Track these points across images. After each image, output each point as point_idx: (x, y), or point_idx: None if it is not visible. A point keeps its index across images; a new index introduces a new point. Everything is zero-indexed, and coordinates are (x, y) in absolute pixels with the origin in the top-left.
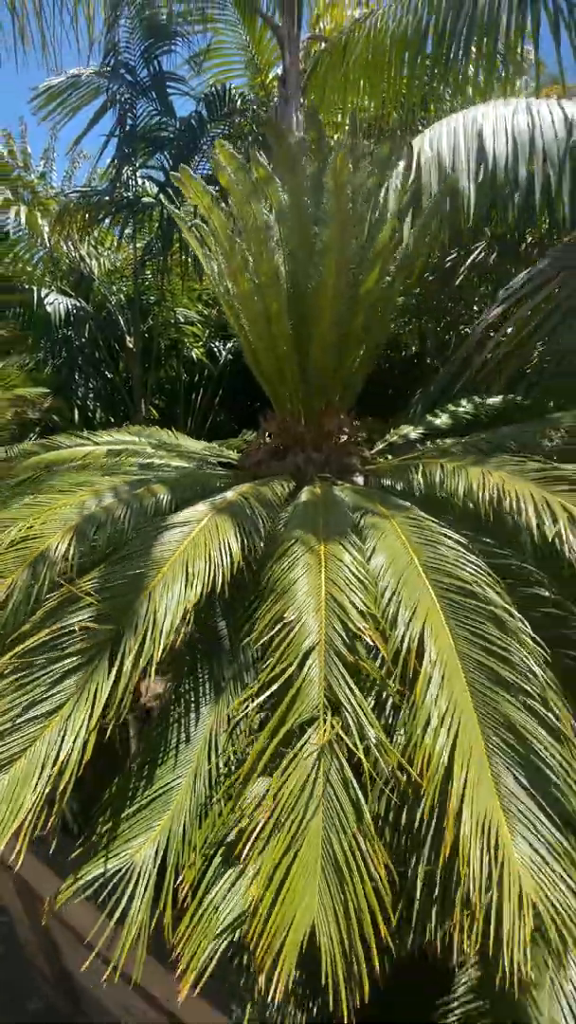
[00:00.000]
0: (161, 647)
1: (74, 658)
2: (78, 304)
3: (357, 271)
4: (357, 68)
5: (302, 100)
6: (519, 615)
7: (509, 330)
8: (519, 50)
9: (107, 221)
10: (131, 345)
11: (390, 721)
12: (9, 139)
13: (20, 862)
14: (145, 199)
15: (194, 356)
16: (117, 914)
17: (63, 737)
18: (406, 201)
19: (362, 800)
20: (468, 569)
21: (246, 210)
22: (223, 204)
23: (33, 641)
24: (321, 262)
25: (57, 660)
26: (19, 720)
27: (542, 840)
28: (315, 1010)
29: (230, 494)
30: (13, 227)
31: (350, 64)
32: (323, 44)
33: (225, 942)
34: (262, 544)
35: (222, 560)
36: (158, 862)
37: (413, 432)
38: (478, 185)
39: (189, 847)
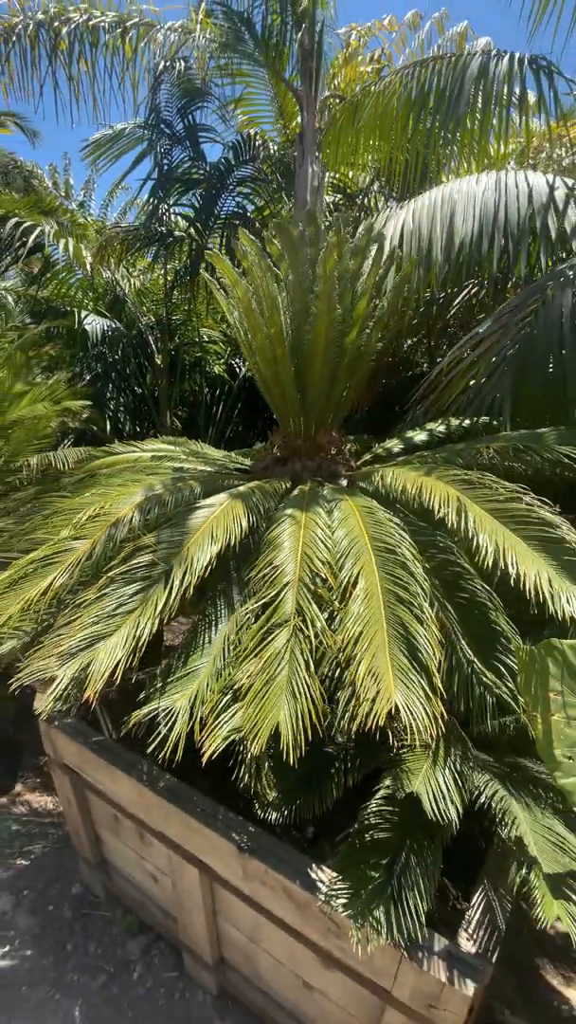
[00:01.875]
0: (196, 576)
1: (141, 582)
2: (112, 324)
3: (342, 329)
4: (366, 127)
5: (318, 154)
6: (421, 564)
7: (470, 363)
8: (506, 123)
9: (143, 251)
10: (159, 361)
11: (332, 624)
12: (54, 172)
13: (95, 698)
14: (176, 232)
15: (215, 372)
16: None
17: (137, 624)
18: (380, 275)
19: (310, 660)
20: (395, 537)
21: (261, 283)
22: (244, 277)
23: (116, 572)
24: (314, 324)
25: (131, 582)
26: (113, 613)
27: (411, 681)
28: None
29: (242, 488)
30: (61, 257)
31: (360, 124)
32: (338, 101)
33: (227, 740)
34: (264, 521)
35: (235, 529)
36: (191, 705)
37: (396, 446)
38: (447, 256)
39: (210, 692)
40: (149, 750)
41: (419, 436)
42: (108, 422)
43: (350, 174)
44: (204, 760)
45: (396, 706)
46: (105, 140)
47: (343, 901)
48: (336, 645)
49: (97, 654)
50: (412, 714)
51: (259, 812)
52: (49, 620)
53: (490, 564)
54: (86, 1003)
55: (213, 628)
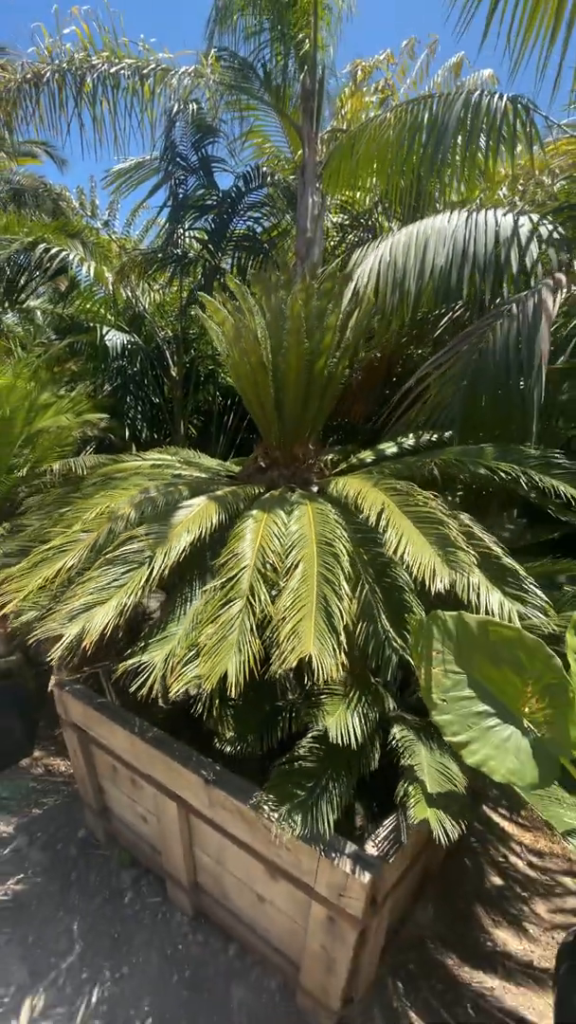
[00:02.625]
0: (173, 560)
1: (133, 564)
2: (132, 339)
3: (311, 359)
4: (363, 159)
5: (318, 185)
6: (354, 556)
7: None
8: (495, 154)
9: (161, 270)
10: (175, 373)
11: (275, 599)
12: (81, 194)
13: (90, 647)
14: (192, 253)
15: (227, 383)
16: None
17: (126, 595)
18: (346, 312)
19: (254, 625)
20: (336, 534)
21: (243, 320)
22: (231, 317)
23: (112, 555)
24: (286, 355)
25: (124, 563)
26: (106, 587)
27: (325, 640)
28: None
29: (220, 492)
30: (84, 279)
31: (358, 156)
32: (338, 136)
33: (191, 684)
34: (234, 519)
35: (207, 524)
36: (164, 660)
37: (368, 457)
38: (420, 285)
39: (180, 649)
40: (132, 690)
41: (390, 448)
42: (127, 430)
43: (357, 194)
44: (170, 696)
45: (312, 657)
46: (125, 170)
47: (272, 810)
48: (276, 614)
49: (94, 617)
50: (322, 664)
51: (219, 746)
52: (61, 595)
53: (395, 554)
54: (83, 920)
55: (187, 603)
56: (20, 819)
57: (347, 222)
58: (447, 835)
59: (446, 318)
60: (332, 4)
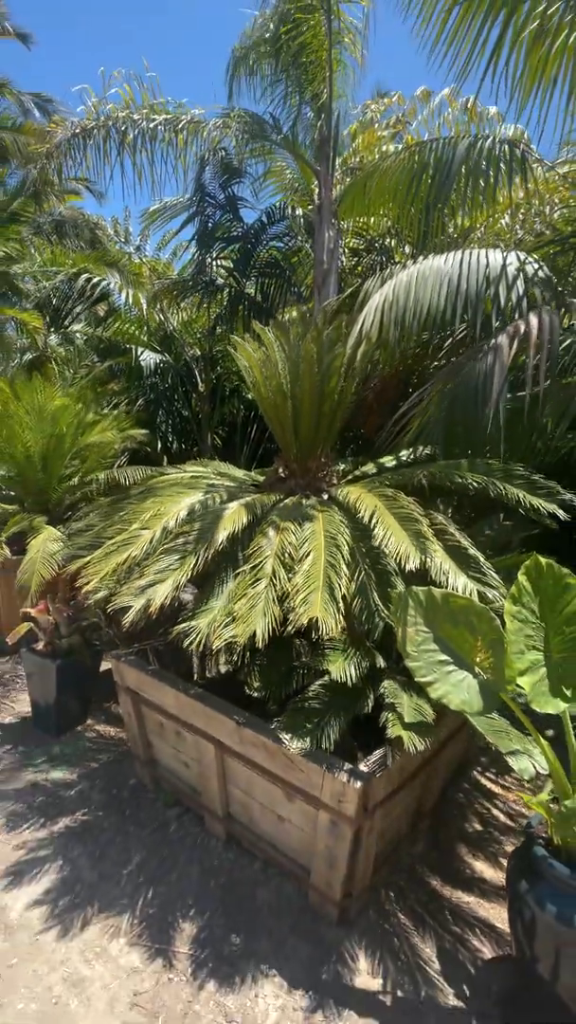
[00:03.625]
0: (214, 551)
1: (182, 553)
2: (163, 358)
3: (321, 385)
4: (375, 198)
5: (333, 221)
6: (352, 546)
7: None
8: (493, 189)
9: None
10: (202, 389)
11: (291, 578)
12: (116, 223)
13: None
14: (218, 280)
15: (250, 398)
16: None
17: (180, 575)
18: (352, 346)
19: (275, 598)
20: (339, 530)
21: (266, 353)
22: (258, 351)
23: (168, 546)
24: (301, 382)
25: (177, 552)
26: (163, 570)
27: (328, 608)
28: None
29: (248, 498)
30: (121, 304)
31: (370, 196)
32: (352, 173)
33: (227, 641)
34: (259, 518)
35: (240, 523)
36: (207, 626)
37: (371, 469)
38: (418, 322)
39: (220, 617)
40: (184, 644)
41: (390, 461)
42: (159, 442)
43: (372, 220)
44: (213, 651)
45: (318, 621)
46: (158, 210)
47: (287, 736)
48: (292, 589)
49: (157, 591)
50: (326, 623)
51: (248, 692)
52: (125, 578)
53: (383, 545)
54: (138, 842)
55: (224, 584)
56: (81, 770)
57: (362, 247)
58: (415, 747)
59: (449, 340)
60: (345, 58)
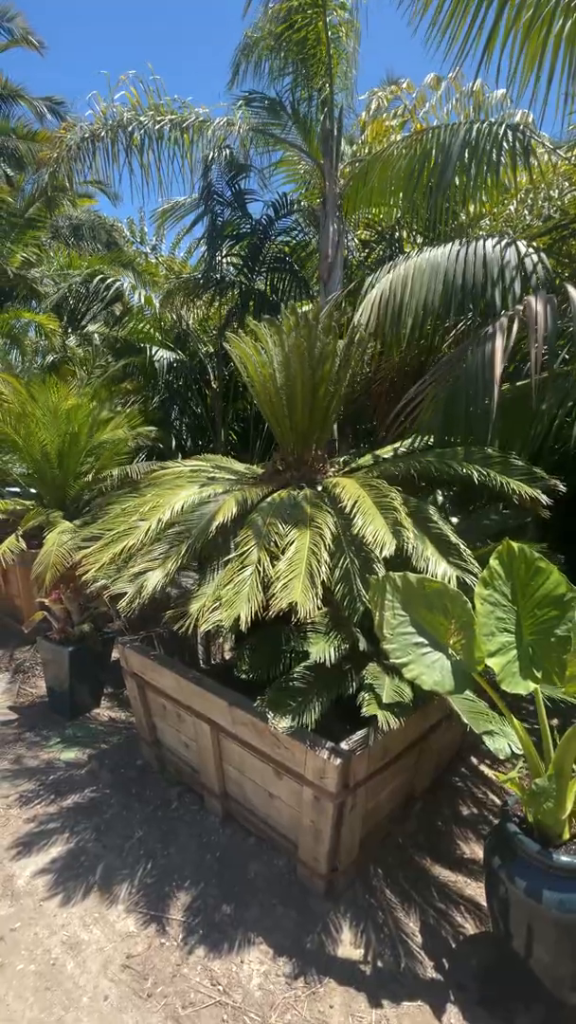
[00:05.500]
0: (205, 540)
1: (177, 542)
2: (177, 356)
3: (313, 378)
4: (376, 188)
5: (338, 214)
6: (338, 534)
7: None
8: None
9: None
10: (215, 386)
11: (275, 566)
12: (131, 224)
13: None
14: (228, 277)
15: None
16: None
17: (171, 563)
18: (345, 344)
19: (259, 584)
20: (326, 519)
21: (262, 348)
22: (255, 349)
23: (161, 535)
24: (293, 375)
25: (169, 542)
26: (154, 556)
27: (308, 594)
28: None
29: (241, 490)
30: (136, 304)
31: (371, 185)
32: (356, 165)
33: (215, 624)
34: (251, 509)
35: (231, 513)
36: (199, 609)
37: (367, 460)
38: (414, 315)
39: (208, 602)
40: (175, 627)
41: (387, 452)
42: (173, 439)
43: (383, 211)
44: (219, 637)
45: (298, 605)
46: (168, 210)
47: (271, 713)
48: (276, 576)
49: (148, 579)
50: (305, 607)
51: (237, 674)
52: (124, 567)
53: (364, 533)
54: (142, 817)
55: (215, 572)
56: (92, 751)
57: (373, 238)
58: (389, 725)
59: (463, 327)
60: (344, 47)
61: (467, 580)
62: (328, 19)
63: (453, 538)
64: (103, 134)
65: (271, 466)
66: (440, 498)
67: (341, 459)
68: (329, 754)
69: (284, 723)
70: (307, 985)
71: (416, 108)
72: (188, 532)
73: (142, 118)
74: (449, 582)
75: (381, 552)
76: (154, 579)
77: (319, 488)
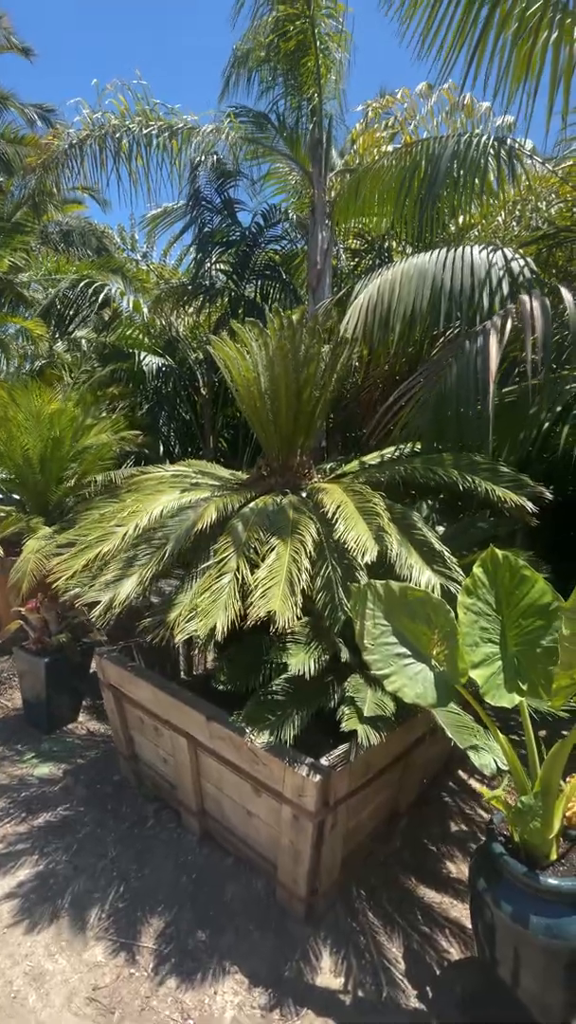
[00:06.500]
0: (183, 547)
1: (154, 547)
2: (166, 362)
3: (297, 383)
4: (367, 199)
5: (327, 222)
6: (320, 541)
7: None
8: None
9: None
10: (204, 392)
11: (254, 573)
12: (122, 230)
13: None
14: (218, 284)
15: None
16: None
17: (146, 571)
18: (328, 351)
19: (237, 592)
20: (308, 526)
21: (249, 355)
22: (239, 352)
23: (140, 540)
24: (276, 379)
25: (147, 547)
26: (134, 563)
27: (287, 603)
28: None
29: (223, 496)
30: (124, 309)
31: (362, 197)
32: (346, 175)
33: (190, 634)
34: (231, 515)
35: (211, 519)
36: (175, 618)
37: (354, 466)
38: (401, 321)
39: (185, 611)
40: (148, 638)
41: (374, 459)
42: (161, 445)
43: (372, 220)
44: (175, 641)
45: (277, 614)
46: (158, 215)
47: (248, 728)
48: (254, 584)
49: (122, 587)
50: (284, 616)
51: (215, 685)
52: (99, 575)
53: (341, 538)
54: (116, 837)
55: (194, 580)
56: (67, 766)
57: (363, 248)
58: (370, 740)
59: (452, 333)
60: (333, 56)
61: (452, 589)
62: (317, 29)
63: (438, 545)
64: (90, 141)
65: (256, 472)
66: (427, 506)
67: (328, 466)
68: (308, 771)
69: (262, 738)
70: (283, 1017)
71: (406, 120)
72: (167, 538)
73: (130, 124)
74: (433, 590)
75: (363, 558)
76: (127, 587)
77: (303, 494)
